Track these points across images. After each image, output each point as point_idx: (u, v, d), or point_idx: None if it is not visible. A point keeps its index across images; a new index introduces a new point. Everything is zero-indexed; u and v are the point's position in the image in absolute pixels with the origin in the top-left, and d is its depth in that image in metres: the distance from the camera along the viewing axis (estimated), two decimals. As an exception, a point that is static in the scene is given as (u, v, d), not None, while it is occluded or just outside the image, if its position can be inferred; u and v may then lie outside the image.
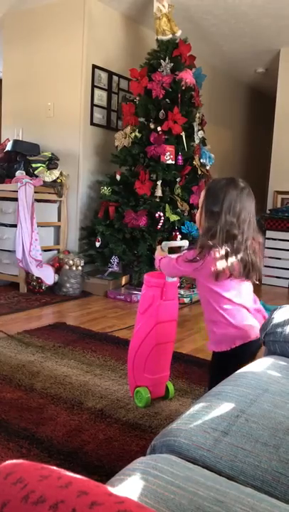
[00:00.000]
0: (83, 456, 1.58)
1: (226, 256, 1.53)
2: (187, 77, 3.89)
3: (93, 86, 4.32)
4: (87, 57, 4.22)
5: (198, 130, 4.10)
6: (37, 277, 3.86)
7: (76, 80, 4.25)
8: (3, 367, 2.30)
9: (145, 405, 1.95)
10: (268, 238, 4.94)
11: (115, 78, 4.53)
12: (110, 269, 4.02)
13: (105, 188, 3.99)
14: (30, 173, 4.04)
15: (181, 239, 3.83)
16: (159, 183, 3.83)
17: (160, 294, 1.88)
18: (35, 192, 3.90)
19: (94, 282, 4.13)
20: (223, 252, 1.52)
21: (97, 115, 4.41)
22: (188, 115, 3.92)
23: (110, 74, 4.47)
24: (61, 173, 4.20)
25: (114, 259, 3.93)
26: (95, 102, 4.37)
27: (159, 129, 3.84)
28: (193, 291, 4.06)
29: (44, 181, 4.04)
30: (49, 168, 4.10)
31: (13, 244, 3.87)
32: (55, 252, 4.30)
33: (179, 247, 1.99)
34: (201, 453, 0.90)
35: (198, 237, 1.67)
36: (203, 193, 1.65)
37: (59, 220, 4.34)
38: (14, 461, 0.56)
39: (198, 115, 4.09)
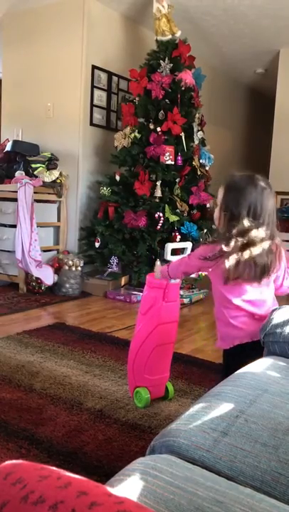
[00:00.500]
0: (83, 456, 1.58)
1: (237, 264, 1.49)
2: (187, 77, 3.89)
3: (93, 86, 4.32)
4: (86, 58, 4.23)
5: (198, 130, 4.11)
6: (36, 278, 3.86)
7: (76, 80, 4.26)
8: (2, 367, 2.30)
9: (145, 406, 1.95)
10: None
11: (115, 79, 4.53)
12: (110, 270, 4.02)
13: (105, 188, 3.99)
14: (30, 174, 4.04)
15: (181, 239, 3.83)
16: (158, 183, 3.84)
17: (162, 296, 1.88)
18: (34, 192, 3.90)
19: (93, 283, 4.13)
20: (234, 261, 1.49)
21: (96, 115, 4.41)
22: (187, 116, 3.93)
23: (110, 74, 4.47)
24: (61, 174, 4.20)
25: (114, 260, 3.93)
26: (95, 102, 4.37)
27: (158, 129, 3.84)
28: (193, 291, 4.07)
29: (44, 182, 4.04)
30: (49, 169, 4.10)
31: (13, 244, 3.87)
32: (55, 252, 4.30)
33: (182, 249, 1.99)
34: (201, 453, 0.90)
35: (214, 232, 1.66)
36: (221, 191, 1.59)
37: (58, 220, 4.34)
38: (14, 461, 0.56)
39: (197, 116, 4.09)
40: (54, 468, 0.54)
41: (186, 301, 3.90)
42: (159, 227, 3.79)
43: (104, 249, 3.96)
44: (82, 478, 0.52)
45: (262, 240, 1.51)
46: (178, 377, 2.29)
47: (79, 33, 4.20)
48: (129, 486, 0.73)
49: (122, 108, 4.08)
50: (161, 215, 3.78)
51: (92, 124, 4.37)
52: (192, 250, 1.78)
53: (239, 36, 4.86)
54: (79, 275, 4.03)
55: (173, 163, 3.85)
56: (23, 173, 4.02)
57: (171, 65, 3.89)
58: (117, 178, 3.98)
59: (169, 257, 1.87)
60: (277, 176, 5.29)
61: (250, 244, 1.49)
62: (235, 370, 1.29)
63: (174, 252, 1.91)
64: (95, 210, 4.18)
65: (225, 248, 1.50)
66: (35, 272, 3.83)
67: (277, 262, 1.57)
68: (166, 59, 3.89)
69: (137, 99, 4.00)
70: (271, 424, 0.98)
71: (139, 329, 1.95)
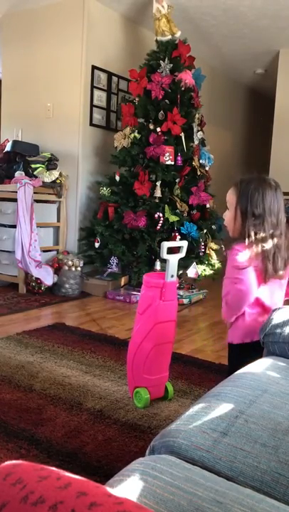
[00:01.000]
0: (82, 456, 1.58)
1: (273, 261, 1.55)
2: (186, 77, 3.89)
3: (93, 87, 4.33)
4: (86, 58, 4.23)
5: (198, 131, 4.11)
6: (36, 278, 3.86)
7: (76, 80, 4.26)
8: (2, 367, 2.30)
9: (144, 406, 1.95)
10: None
11: (115, 79, 4.53)
12: (109, 270, 4.02)
13: (104, 188, 3.99)
14: (30, 174, 4.04)
15: (181, 240, 3.83)
16: (158, 183, 3.84)
17: (159, 295, 1.88)
18: (34, 192, 3.90)
19: (93, 283, 4.13)
20: (271, 257, 1.54)
21: (96, 116, 4.41)
22: (187, 116, 3.93)
23: (110, 75, 4.47)
24: (60, 174, 4.20)
25: (114, 260, 3.93)
26: (95, 102, 4.37)
27: (158, 129, 3.84)
28: (193, 291, 4.06)
29: (43, 182, 4.04)
30: (48, 169, 4.10)
31: (13, 244, 3.87)
32: (55, 252, 4.30)
33: (178, 248, 1.99)
34: (200, 454, 0.90)
35: (226, 237, 1.68)
36: (234, 194, 1.60)
37: (58, 220, 4.34)
38: (13, 461, 0.56)
39: (197, 116, 4.09)
40: (54, 468, 0.54)
41: (185, 301, 3.90)
42: (158, 227, 3.79)
43: (104, 250, 3.95)
44: (81, 478, 0.52)
45: (280, 235, 1.57)
46: (178, 378, 2.29)
47: (79, 33, 4.20)
48: (128, 486, 0.73)
49: (122, 108, 4.08)
50: (161, 215, 3.78)
51: (91, 124, 4.37)
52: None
53: (239, 37, 4.87)
54: (79, 275, 4.03)
55: (173, 163, 3.85)
56: (23, 174, 4.01)
57: (171, 65, 3.89)
58: (117, 178, 3.98)
59: (165, 255, 1.86)
60: (278, 176, 5.24)
61: (275, 240, 1.55)
62: (237, 367, 1.31)
63: (171, 250, 1.90)
64: (95, 211, 4.18)
65: (255, 249, 1.53)
66: (35, 272, 3.83)
67: None
68: (166, 59, 3.89)
69: (136, 99, 3.99)
70: (271, 425, 0.98)
71: (137, 329, 1.95)
